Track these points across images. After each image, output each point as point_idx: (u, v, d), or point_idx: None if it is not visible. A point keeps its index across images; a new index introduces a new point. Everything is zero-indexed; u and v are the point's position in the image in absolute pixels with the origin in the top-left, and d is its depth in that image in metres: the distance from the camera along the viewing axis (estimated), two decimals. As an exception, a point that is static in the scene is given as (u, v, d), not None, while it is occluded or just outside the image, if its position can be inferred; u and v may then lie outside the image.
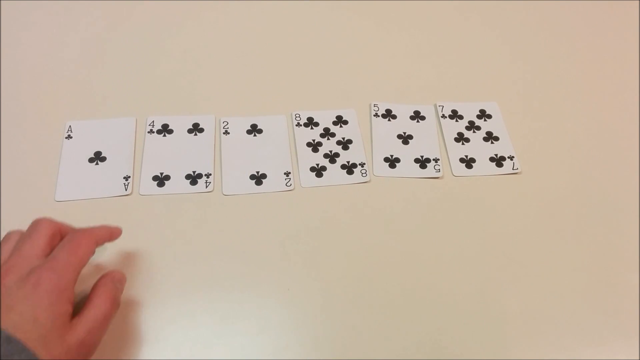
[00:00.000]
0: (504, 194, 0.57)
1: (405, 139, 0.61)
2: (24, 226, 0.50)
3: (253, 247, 0.52)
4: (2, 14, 0.69)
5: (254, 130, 0.61)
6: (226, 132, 0.60)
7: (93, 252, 0.43)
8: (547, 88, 0.67)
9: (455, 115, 0.63)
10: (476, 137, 0.62)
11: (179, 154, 0.58)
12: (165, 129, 0.60)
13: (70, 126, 0.59)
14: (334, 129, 0.61)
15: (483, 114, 0.64)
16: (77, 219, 0.47)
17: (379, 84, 0.65)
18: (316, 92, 0.64)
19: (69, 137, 0.59)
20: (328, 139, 0.60)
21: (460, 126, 0.62)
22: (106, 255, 0.51)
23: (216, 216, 0.54)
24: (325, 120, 0.62)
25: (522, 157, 0.60)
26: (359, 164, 0.58)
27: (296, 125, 0.61)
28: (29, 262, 0.40)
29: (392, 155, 0.59)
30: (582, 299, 0.51)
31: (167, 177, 0.56)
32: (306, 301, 0.49)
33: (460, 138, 0.61)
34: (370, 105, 0.63)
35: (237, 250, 0.52)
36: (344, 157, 0.59)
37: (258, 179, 0.57)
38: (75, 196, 0.55)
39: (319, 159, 0.59)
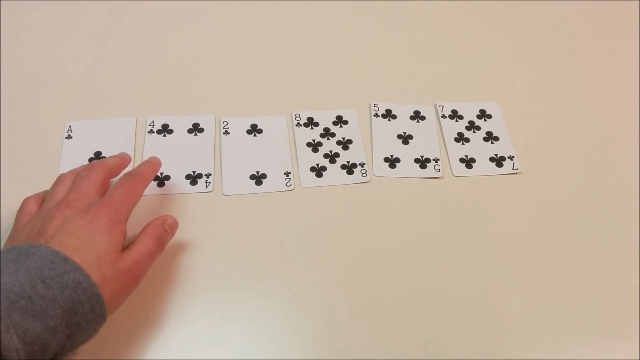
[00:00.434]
0: (504, 194, 0.57)
1: (405, 139, 0.61)
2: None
3: (253, 247, 0.52)
4: (2, 14, 0.69)
5: (254, 130, 0.61)
6: (226, 132, 0.60)
7: (142, 194, 0.49)
8: (547, 88, 0.67)
9: (455, 115, 0.63)
10: (476, 137, 0.62)
11: (179, 154, 0.58)
12: (165, 129, 0.60)
13: (70, 126, 0.59)
14: (334, 129, 0.61)
15: (483, 114, 0.64)
16: (77, 219, 0.47)
17: (379, 84, 0.65)
18: (316, 92, 0.64)
19: (69, 137, 0.59)
20: (328, 139, 0.60)
21: (460, 126, 0.62)
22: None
23: (216, 216, 0.54)
24: (325, 120, 0.62)
25: (522, 157, 0.60)
26: (359, 164, 0.58)
27: (296, 125, 0.61)
28: (88, 198, 0.46)
29: (392, 155, 0.59)
30: (582, 299, 0.51)
31: (167, 177, 0.56)
32: (306, 301, 0.49)
33: (460, 138, 0.61)
34: (370, 105, 0.63)
35: (237, 250, 0.52)
36: (344, 157, 0.59)
37: (258, 179, 0.57)
38: (75, 196, 0.55)
39: (319, 159, 0.59)
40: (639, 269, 0.52)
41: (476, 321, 0.49)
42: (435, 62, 0.68)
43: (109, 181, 0.49)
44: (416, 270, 0.52)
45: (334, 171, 0.58)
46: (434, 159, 0.59)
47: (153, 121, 0.60)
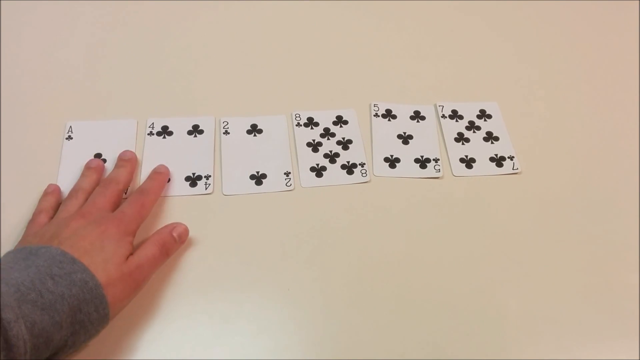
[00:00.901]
0: (504, 194, 0.57)
1: (405, 139, 0.61)
2: (23, 226, 0.51)
3: (253, 247, 0.52)
4: (2, 14, 0.69)
5: (254, 130, 0.61)
6: (226, 132, 0.60)
7: (151, 210, 0.53)
8: (547, 88, 0.67)
9: (455, 115, 0.63)
10: (476, 137, 0.62)
11: (178, 156, 0.58)
12: (165, 131, 0.60)
13: (70, 127, 0.59)
14: (334, 129, 0.61)
15: (483, 114, 0.64)
16: (77, 219, 0.47)
17: (379, 84, 0.65)
18: (316, 92, 0.64)
19: (70, 137, 0.59)
20: (328, 139, 0.60)
21: (461, 126, 0.62)
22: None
23: (216, 216, 0.54)
24: (325, 120, 0.62)
25: (522, 157, 0.60)
26: (359, 164, 0.58)
27: (296, 125, 0.61)
28: (101, 212, 0.49)
29: (392, 155, 0.59)
30: (582, 299, 0.51)
31: (167, 179, 0.56)
32: (306, 301, 0.49)
33: (461, 138, 0.61)
34: (370, 105, 0.63)
35: (237, 250, 0.52)
36: (344, 157, 0.59)
37: (258, 179, 0.57)
38: (75, 196, 0.55)
39: (319, 159, 0.59)
40: (639, 269, 0.52)
41: (476, 321, 0.49)
42: (435, 62, 0.68)
43: (121, 196, 0.53)
44: (416, 270, 0.52)
45: (334, 171, 0.58)
46: (434, 159, 0.59)
47: (153, 123, 0.60)
